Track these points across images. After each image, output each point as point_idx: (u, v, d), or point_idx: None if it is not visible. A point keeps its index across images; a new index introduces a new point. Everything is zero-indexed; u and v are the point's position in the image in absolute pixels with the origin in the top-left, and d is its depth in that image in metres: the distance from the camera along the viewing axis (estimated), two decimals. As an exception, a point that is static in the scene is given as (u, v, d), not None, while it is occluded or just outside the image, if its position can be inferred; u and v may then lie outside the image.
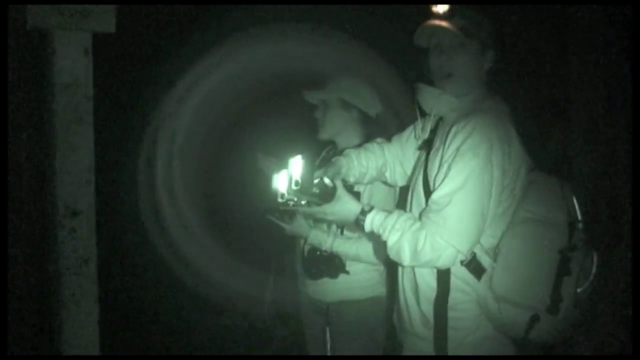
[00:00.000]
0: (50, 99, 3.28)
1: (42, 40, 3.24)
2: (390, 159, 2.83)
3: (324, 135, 3.45)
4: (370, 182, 2.93)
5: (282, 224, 3.27)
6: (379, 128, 3.40)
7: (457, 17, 2.42)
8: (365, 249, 3.20)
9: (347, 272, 3.28)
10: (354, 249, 3.22)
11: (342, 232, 3.29)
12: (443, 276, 2.35)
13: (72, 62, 3.29)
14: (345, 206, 2.43)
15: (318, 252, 3.32)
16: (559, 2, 3.78)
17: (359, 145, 3.00)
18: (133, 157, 5.03)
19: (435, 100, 2.48)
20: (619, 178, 3.39)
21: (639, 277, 2.98)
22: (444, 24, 2.41)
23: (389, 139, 2.90)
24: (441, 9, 2.41)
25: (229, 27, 4.82)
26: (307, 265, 3.38)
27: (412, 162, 2.73)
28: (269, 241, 3.80)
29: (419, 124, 2.71)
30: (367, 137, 3.36)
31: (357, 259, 3.25)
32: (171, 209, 5.44)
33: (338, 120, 3.40)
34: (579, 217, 2.36)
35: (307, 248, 3.38)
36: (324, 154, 3.56)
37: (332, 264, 3.29)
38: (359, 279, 3.32)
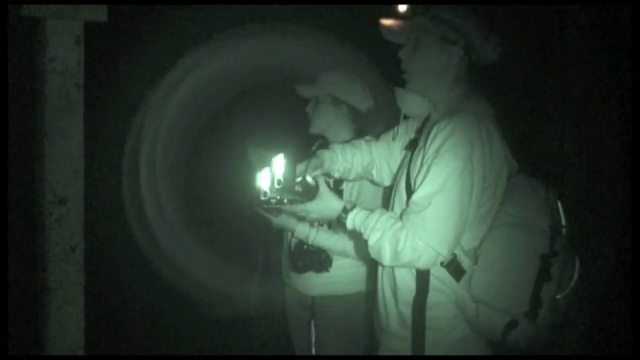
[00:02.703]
0: (40, 86, 3.27)
1: (33, 28, 3.24)
2: (377, 158, 2.83)
3: (314, 129, 3.46)
4: (356, 179, 2.93)
5: (270, 217, 3.27)
6: (370, 123, 3.41)
7: (418, 15, 2.42)
8: (352, 244, 3.21)
9: (328, 268, 3.29)
10: (340, 244, 3.22)
11: (329, 226, 3.29)
12: (422, 277, 2.34)
13: (63, 51, 3.27)
14: (327, 204, 2.44)
15: (305, 246, 3.33)
16: (561, 2, 3.75)
17: (350, 141, 3.00)
18: (122, 146, 5.04)
19: (403, 100, 2.49)
20: (605, 182, 3.38)
21: (639, 277, 2.97)
22: (395, 23, 2.42)
23: (381, 133, 2.90)
24: (402, 8, 2.41)
25: (221, 18, 4.81)
26: (293, 259, 3.39)
27: (399, 161, 2.72)
28: (256, 235, 3.81)
29: (407, 123, 2.71)
30: (358, 132, 3.37)
31: (343, 254, 3.25)
32: (153, 203, 5.44)
33: (328, 115, 3.40)
34: (563, 222, 2.36)
35: (294, 241, 3.38)
36: (314, 148, 3.56)
37: (318, 258, 3.30)
38: (345, 273, 3.33)
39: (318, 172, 2.69)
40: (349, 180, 2.99)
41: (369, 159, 2.82)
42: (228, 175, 3.46)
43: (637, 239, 2.97)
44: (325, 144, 3.46)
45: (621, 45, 3.34)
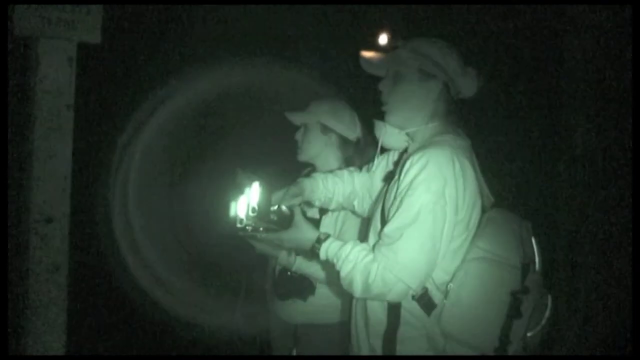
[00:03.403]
0: (31, 105, 3.29)
1: (26, 47, 3.27)
2: (360, 188, 2.82)
3: (303, 157, 3.46)
4: (337, 208, 2.92)
5: (254, 243, 3.26)
6: (359, 152, 3.40)
7: (398, 49, 2.43)
8: (334, 273, 3.18)
9: (309, 296, 3.27)
10: (322, 272, 3.21)
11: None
12: (393, 310, 2.33)
13: (55, 70, 3.31)
14: (302, 234, 2.44)
15: (288, 273, 3.31)
16: (560, 2, 3.75)
17: (338, 169, 3.00)
18: (108, 167, 5.06)
19: (382, 133, 2.49)
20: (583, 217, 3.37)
21: (639, 278, 2.95)
22: (375, 55, 2.44)
23: (368, 163, 2.90)
24: (382, 40, 2.43)
25: (214, 42, 4.84)
26: (276, 285, 3.38)
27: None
28: (238, 261, 3.79)
29: (387, 154, 2.72)
30: (347, 161, 3.36)
31: (326, 282, 3.23)
32: (124, 230, 5.42)
33: (317, 143, 3.40)
34: (536, 258, 2.34)
35: (278, 268, 3.37)
36: (302, 176, 3.55)
37: (300, 285, 3.28)
38: (328, 302, 3.29)
39: (297, 200, 2.69)
40: (330, 210, 2.98)
41: (351, 189, 2.82)
42: (215, 200, 3.46)
43: (637, 241, 2.95)
44: (313, 171, 3.46)
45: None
